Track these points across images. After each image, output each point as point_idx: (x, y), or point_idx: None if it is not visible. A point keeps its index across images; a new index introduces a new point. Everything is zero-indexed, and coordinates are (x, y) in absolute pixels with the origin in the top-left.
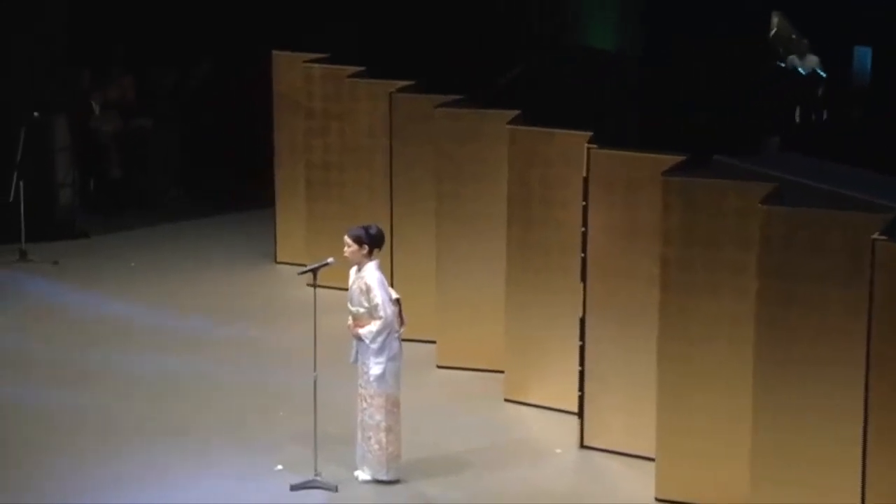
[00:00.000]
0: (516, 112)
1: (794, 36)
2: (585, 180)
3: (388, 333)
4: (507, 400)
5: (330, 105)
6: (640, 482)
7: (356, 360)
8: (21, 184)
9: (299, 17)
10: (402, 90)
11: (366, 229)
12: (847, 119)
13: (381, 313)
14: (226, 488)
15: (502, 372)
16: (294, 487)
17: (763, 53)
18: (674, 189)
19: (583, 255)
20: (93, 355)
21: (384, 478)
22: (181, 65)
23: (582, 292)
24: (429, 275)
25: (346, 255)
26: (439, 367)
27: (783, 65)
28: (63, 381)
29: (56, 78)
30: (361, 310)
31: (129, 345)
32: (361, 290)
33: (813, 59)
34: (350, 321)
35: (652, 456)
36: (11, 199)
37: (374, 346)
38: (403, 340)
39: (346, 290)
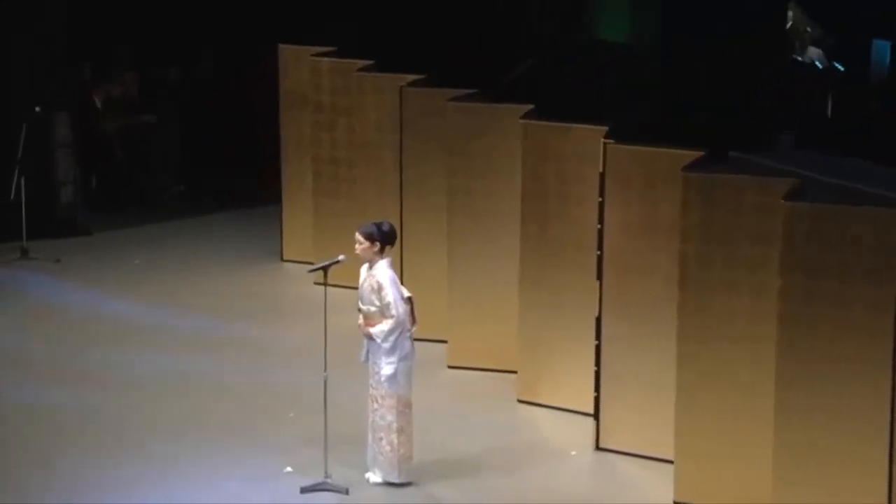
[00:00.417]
0: (530, 106)
1: (808, 29)
2: (602, 176)
3: (400, 333)
4: (519, 401)
5: (338, 99)
6: (658, 485)
7: (367, 360)
8: (22, 181)
9: (299, 16)
10: (412, 84)
11: (378, 226)
12: (864, 113)
13: (393, 312)
14: (234, 491)
15: (514, 372)
16: (304, 490)
17: (778, 47)
18: (693, 185)
19: (599, 252)
20: (96, 355)
21: (396, 480)
22: (183, 61)
23: (597, 290)
24: (439, 273)
25: (357, 252)
26: (450, 367)
27: (800, 58)
28: (67, 381)
29: (57, 74)
30: (373, 308)
31: (133, 344)
32: (373, 288)
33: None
34: (361, 320)
35: (670, 458)
36: (13, 197)
37: (386, 345)
38: (414, 340)
39: (356, 288)
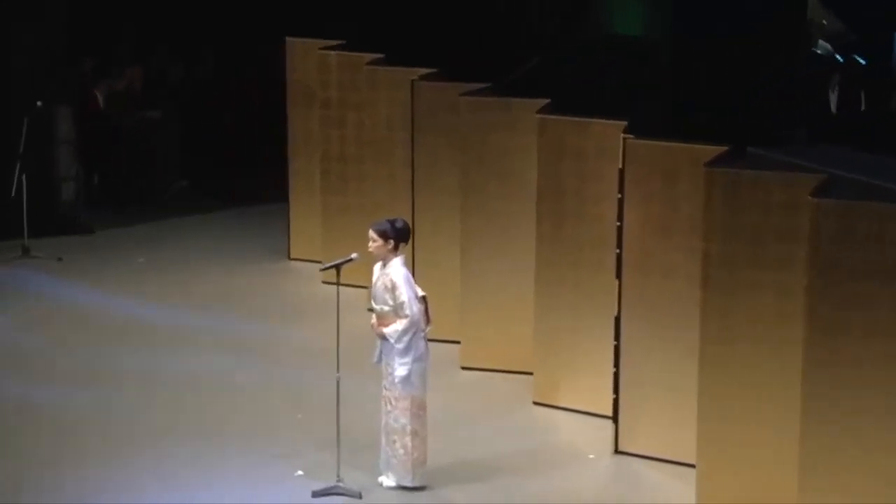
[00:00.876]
0: (546, 100)
1: (825, 21)
2: (621, 172)
3: (414, 333)
4: (535, 403)
5: (347, 94)
6: (679, 490)
7: (380, 361)
8: (24, 178)
9: (299, 13)
10: (423, 78)
11: (391, 223)
12: (885, 108)
13: (407, 311)
14: (244, 495)
15: (530, 374)
16: (315, 494)
17: (795, 40)
18: (716, 181)
19: (618, 250)
20: (101, 355)
21: (409, 484)
22: (185, 57)
23: (617, 290)
24: (453, 272)
25: (370, 249)
26: (463, 368)
27: (819, 52)
28: (72, 382)
29: (58, 68)
30: (386, 308)
31: (139, 344)
32: (386, 286)
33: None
34: (374, 320)
35: (692, 462)
36: (14, 194)
37: (400, 346)
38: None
39: (366, 287)
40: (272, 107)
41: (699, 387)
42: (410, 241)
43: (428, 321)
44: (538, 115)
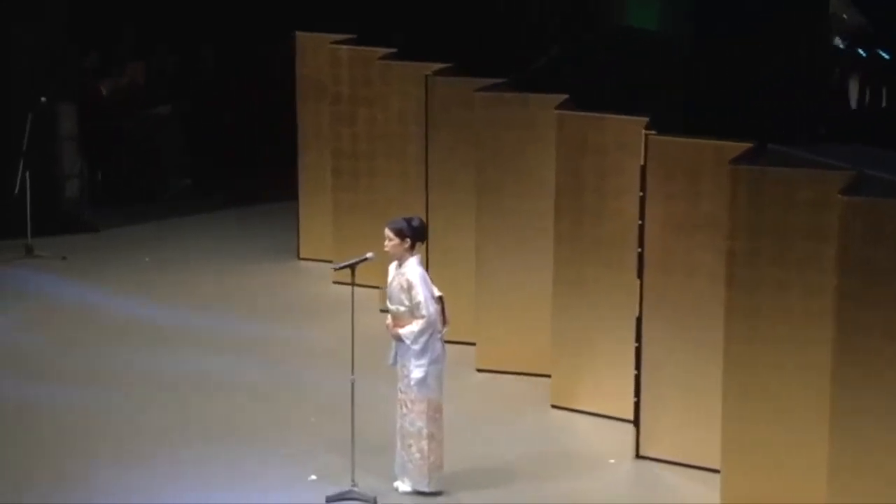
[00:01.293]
0: (564, 96)
1: (845, 16)
2: (643, 169)
3: (431, 334)
4: (553, 406)
5: (358, 89)
6: (702, 495)
7: (395, 363)
8: (27, 175)
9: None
10: (437, 73)
11: (408, 221)
12: None
13: (424, 312)
14: (256, 499)
15: (548, 376)
16: (329, 499)
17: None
18: (742, 178)
19: (639, 249)
20: (108, 356)
21: (425, 489)
22: (185, 55)
23: (638, 290)
24: (467, 272)
25: (386, 249)
26: (479, 370)
27: (842, 46)
28: (79, 383)
29: (62, 63)
30: (402, 308)
31: (145, 345)
32: (402, 286)
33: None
34: (389, 320)
35: (716, 467)
36: (17, 192)
37: (416, 347)
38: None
39: (377, 287)
40: (276, 104)
41: (724, 388)
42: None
43: (445, 322)
44: (557, 111)
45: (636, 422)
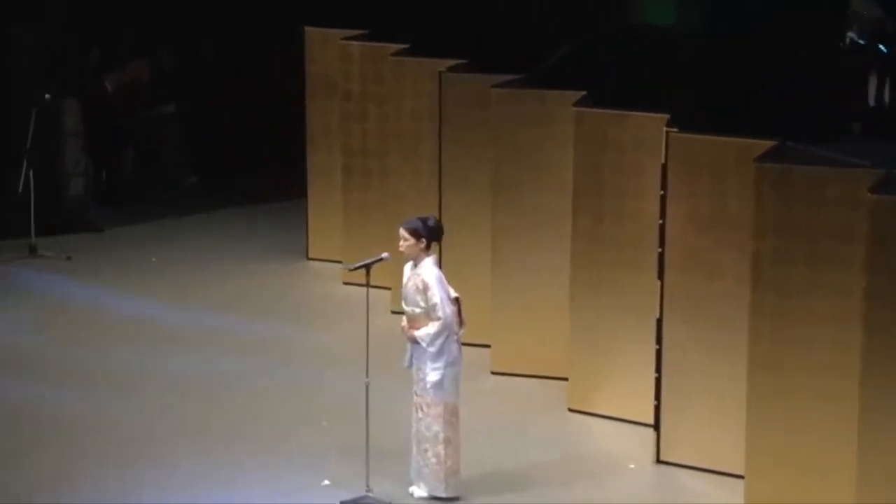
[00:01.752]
0: (582, 92)
1: (865, 12)
2: (664, 167)
3: (447, 336)
4: (571, 410)
5: (370, 86)
6: (725, 501)
7: (410, 365)
8: (31, 173)
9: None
10: (451, 69)
11: (423, 221)
12: None
13: (440, 313)
14: None
15: (565, 379)
16: None
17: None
18: (767, 177)
19: (660, 249)
20: (114, 358)
21: (442, 494)
22: (185, 54)
23: (659, 291)
24: (483, 272)
25: (401, 249)
26: (494, 373)
27: (862, 42)
28: (86, 386)
29: (63, 59)
30: (417, 310)
31: (152, 347)
32: (417, 287)
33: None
34: (404, 322)
35: (739, 472)
36: (21, 190)
37: (432, 349)
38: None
39: (388, 288)
40: (283, 101)
41: (748, 391)
42: None
43: (461, 323)
44: (575, 108)
45: (656, 426)
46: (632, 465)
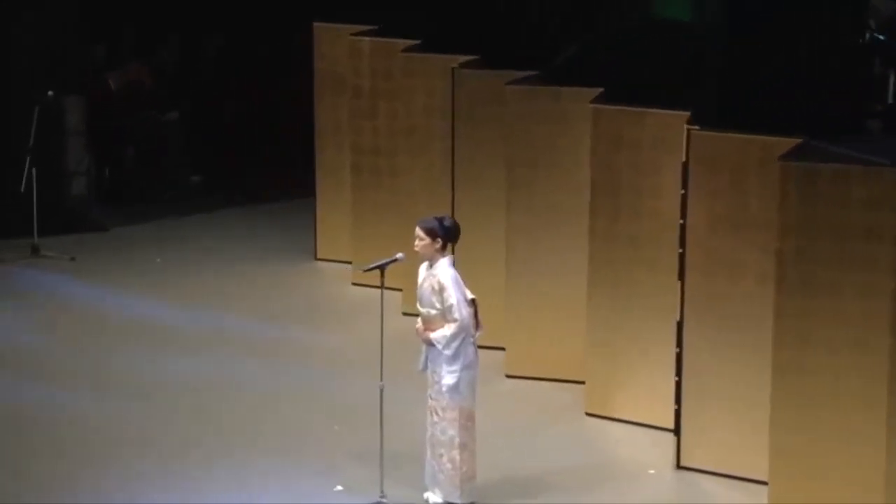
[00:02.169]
0: (599, 90)
1: (882, 8)
2: (684, 165)
3: (463, 338)
4: (588, 414)
5: (380, 82)
6: None
7: (425, 368)
8: (34, 172)
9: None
10: (464, 65)
11: (440, 220)
12: None
13: (456, 315)
14: None
15: (581, 382)
16: None
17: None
18: (792, 175)
19: (681, 249)
20: (119, 360)
21: (457, 500)
22: (186, 46)
23: (679, 292)
24: (497, 273)
25: (416, 249)
26: (508, 376)
27: (881, 38)
28: (91, 388)
29: (65, 57)
30: (433, 311)
31: (159, 348)
32: (433, 288)
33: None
34: (419, 324)
35: (761, 478)
36: (24, 189)
37: (448, 352)
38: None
39: (398, 290)
40: (289, 98)
41: (772, 395)
42: None
43: (478, 326)
44: (592, 105)
45: (677, 430)
46: (651, 471)
